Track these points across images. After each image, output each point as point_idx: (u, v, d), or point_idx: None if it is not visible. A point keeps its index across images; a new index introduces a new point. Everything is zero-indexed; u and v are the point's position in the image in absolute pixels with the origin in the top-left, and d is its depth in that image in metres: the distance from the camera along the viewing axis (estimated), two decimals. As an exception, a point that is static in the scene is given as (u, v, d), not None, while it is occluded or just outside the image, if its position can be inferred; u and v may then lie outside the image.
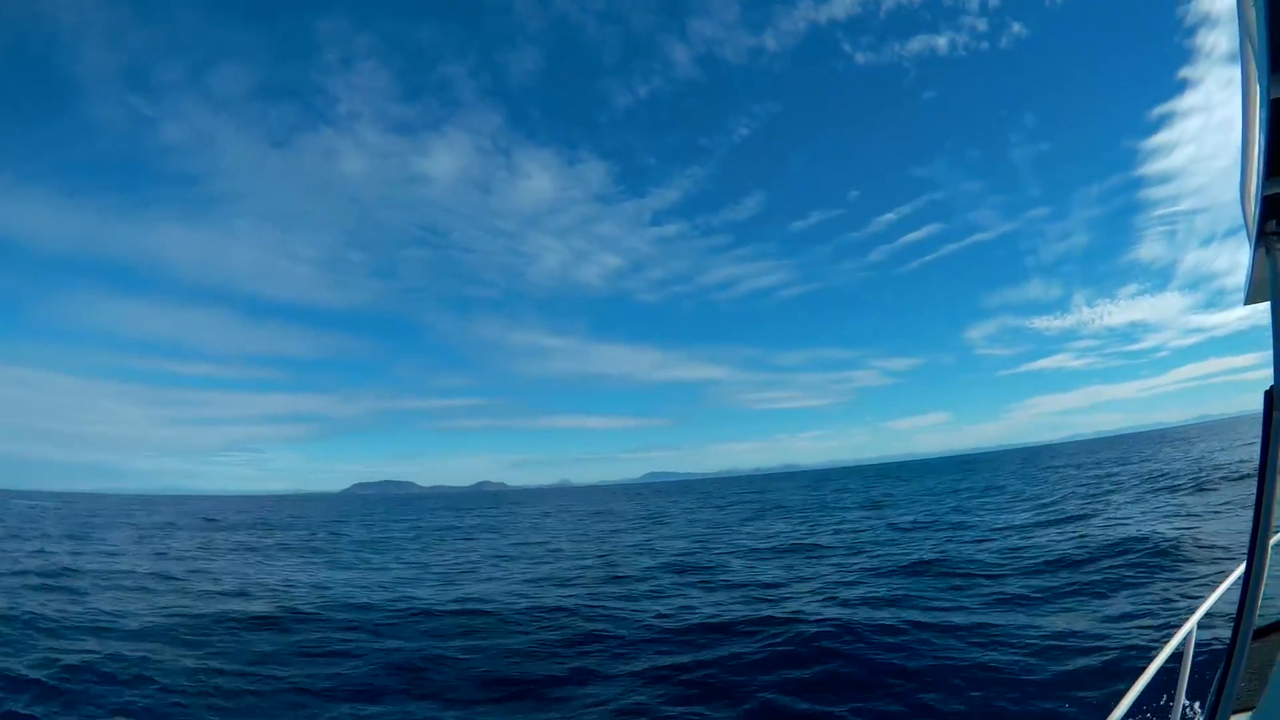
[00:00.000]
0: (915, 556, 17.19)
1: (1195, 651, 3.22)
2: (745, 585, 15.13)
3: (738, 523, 34.53)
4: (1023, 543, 17.85)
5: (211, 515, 62.41)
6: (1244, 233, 2.19)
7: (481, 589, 16.32)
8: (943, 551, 17.69)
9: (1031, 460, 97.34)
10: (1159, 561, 13.30)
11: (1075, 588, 12.32)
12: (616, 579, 17.13)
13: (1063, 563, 14.51)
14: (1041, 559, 15.11)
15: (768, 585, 14.84)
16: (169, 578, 18.60)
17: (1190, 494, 24.71)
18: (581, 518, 49.36)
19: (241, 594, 15.92)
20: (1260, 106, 1.57)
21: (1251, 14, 1.46)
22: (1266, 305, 2.18)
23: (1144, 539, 15.45)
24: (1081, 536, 17.40)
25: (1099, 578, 12.69)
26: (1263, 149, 1.64)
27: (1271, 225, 2.03)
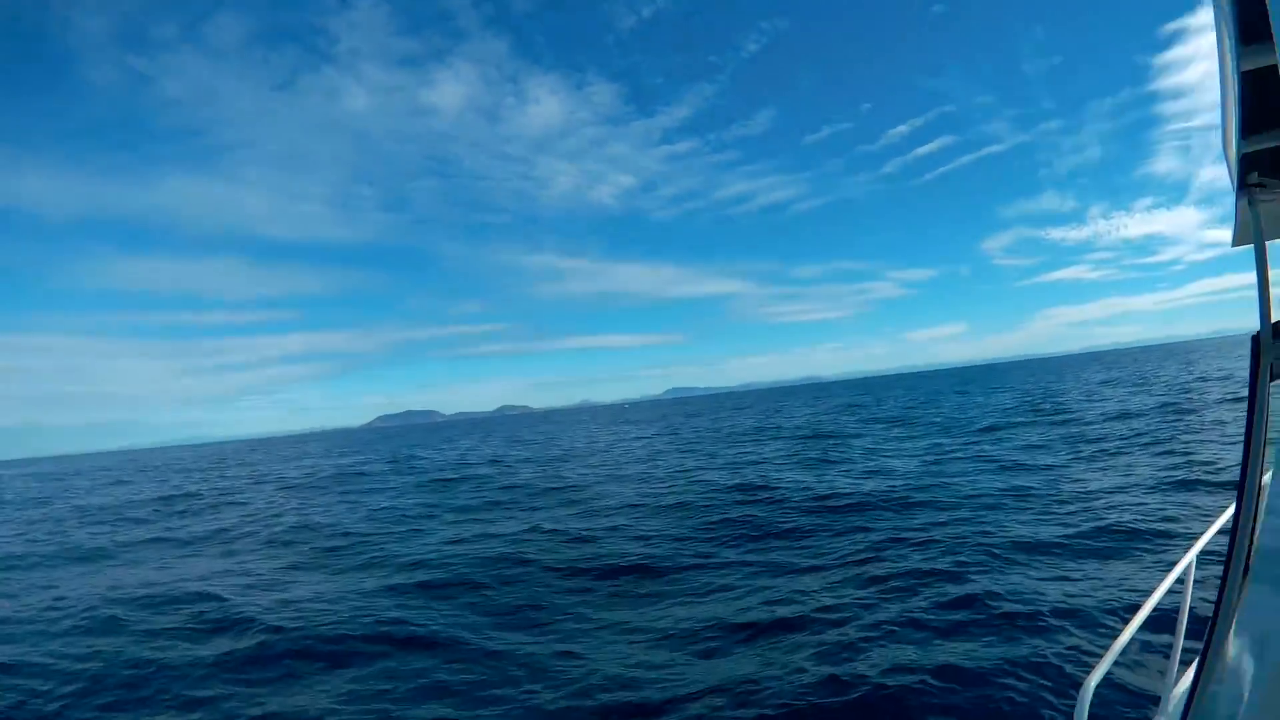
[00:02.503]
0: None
1: (1194, 585, 3.33)
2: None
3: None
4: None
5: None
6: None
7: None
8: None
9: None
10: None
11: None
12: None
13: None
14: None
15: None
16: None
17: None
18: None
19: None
20: (1232, 73, 1.69)
21: None
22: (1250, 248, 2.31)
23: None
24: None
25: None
26: (1237, 114, 1.80)
27: (1253, 177, 2.16)
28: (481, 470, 29.96)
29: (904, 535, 10.97)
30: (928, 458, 20.34)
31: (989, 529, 10.93)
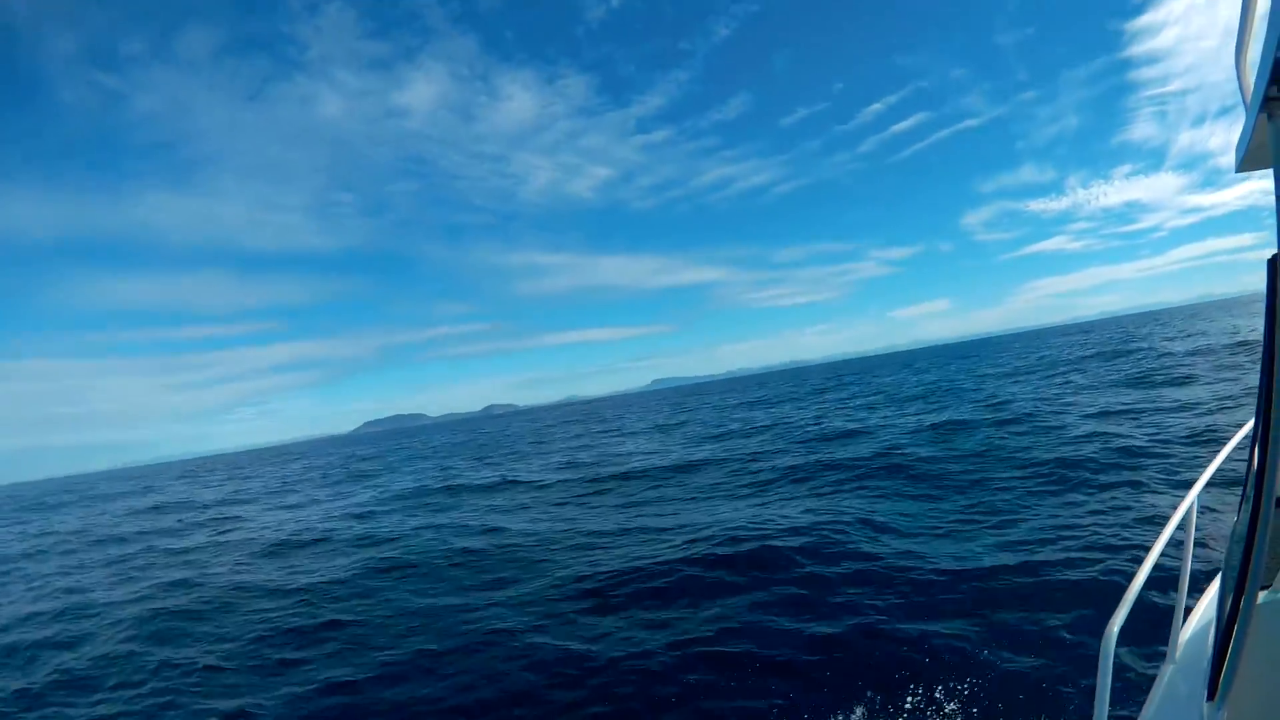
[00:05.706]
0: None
1: (1198, 524, 2.99)
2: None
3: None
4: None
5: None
6: (1240, 108, 2.13)
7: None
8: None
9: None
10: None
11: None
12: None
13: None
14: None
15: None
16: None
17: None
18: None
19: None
20: None
21: None
22: (1259, 174, 2.19)
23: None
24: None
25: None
26: (1272, 13, 1.59)
27: (1275, 90, 1.91)
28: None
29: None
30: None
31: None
